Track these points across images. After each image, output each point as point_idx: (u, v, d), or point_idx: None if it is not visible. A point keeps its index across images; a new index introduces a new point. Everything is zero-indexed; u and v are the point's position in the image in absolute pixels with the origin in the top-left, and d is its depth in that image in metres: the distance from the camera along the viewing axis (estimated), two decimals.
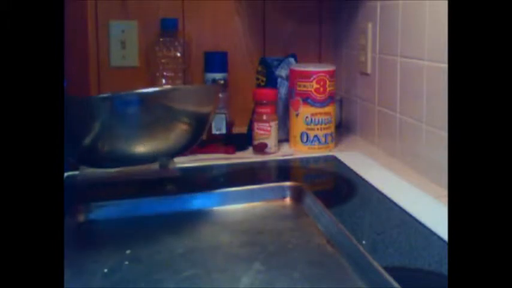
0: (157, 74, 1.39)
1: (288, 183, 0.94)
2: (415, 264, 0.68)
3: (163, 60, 1.40)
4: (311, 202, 0.86)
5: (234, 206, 0.89)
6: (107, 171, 0.95)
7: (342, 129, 1.45)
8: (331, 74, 1.23)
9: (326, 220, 0.72)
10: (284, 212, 0.88)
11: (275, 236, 0.78)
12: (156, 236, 0.77)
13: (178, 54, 1.40)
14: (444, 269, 0.67)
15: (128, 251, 0.72)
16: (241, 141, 1.24)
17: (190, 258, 0.71)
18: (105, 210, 0.81)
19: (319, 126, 1.22)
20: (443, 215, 0.82)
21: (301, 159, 1.15)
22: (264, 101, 1.20)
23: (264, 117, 1.19)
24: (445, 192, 0.93)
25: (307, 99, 1.21)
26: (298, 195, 0.92)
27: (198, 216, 0.86)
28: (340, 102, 1.47)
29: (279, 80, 1.29)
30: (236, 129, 1.33)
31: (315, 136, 1.22)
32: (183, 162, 1.07)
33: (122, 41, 1.45)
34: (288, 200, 0.92)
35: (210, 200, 0.89)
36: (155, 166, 0.96)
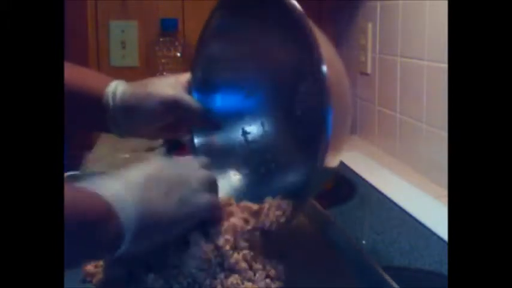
0: (157, 74, 1.39)
1: None
2: (415, 265, 0.68)
3: (163, 60, 1.40)
4: (310, 202, 0.86)
5: None
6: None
7: None
8: None
9: (324, 220, 0.72)
10: None
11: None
12: None
13: (178, 54, 1.40)
14: (444, 269, 0.66)
15: None
16: None
17: None
18: None
19: None
20: (443, 215, 0.82)
21: None
22: None
23: None
24: (445, 192, 0.93)
25: None
26: None
27: None
28: None
29: None
30: None
31: None
32: None
33: (122, 41, 1.45)
34: None
35: None
36: None
